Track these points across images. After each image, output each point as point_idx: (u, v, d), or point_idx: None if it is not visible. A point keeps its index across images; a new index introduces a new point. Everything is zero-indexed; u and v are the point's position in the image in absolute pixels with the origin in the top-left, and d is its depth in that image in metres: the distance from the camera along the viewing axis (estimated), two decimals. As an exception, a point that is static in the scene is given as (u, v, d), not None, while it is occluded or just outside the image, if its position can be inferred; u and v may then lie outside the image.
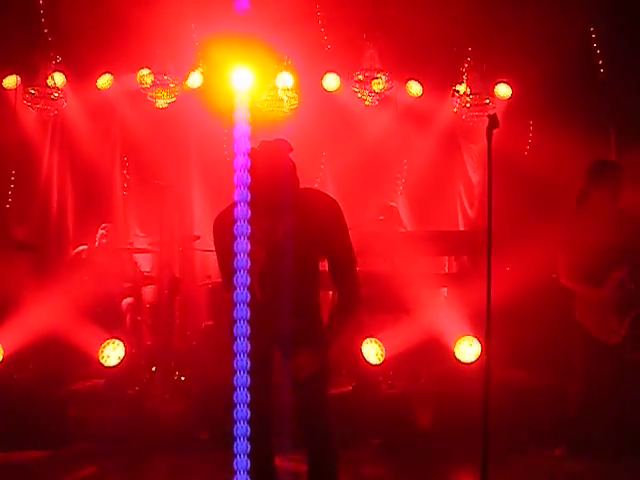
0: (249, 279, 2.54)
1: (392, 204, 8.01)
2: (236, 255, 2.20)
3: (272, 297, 3.24)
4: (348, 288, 3.41)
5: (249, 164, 2.65)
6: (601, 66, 7.69)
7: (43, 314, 6.16)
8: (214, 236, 3.38)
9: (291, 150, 3.27)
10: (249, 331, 2.19)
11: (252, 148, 3.09)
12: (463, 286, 6.42)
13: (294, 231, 3.25)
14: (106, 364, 6.07)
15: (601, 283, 5.06)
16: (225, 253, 3.14)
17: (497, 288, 3.51)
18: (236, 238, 2.19)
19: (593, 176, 5.23)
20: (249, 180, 2.43)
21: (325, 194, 3.46)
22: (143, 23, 7.41)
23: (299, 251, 3.28)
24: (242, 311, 2.13)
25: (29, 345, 6.08)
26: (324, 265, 3.47)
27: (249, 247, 2.74)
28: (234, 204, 2.98)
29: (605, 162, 5.50)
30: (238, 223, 2.20)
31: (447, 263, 8.32)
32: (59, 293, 6.31)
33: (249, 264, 2.44)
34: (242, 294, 2.15)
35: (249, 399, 2.17)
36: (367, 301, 6.46)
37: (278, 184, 3.14)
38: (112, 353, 6.08)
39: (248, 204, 2.29)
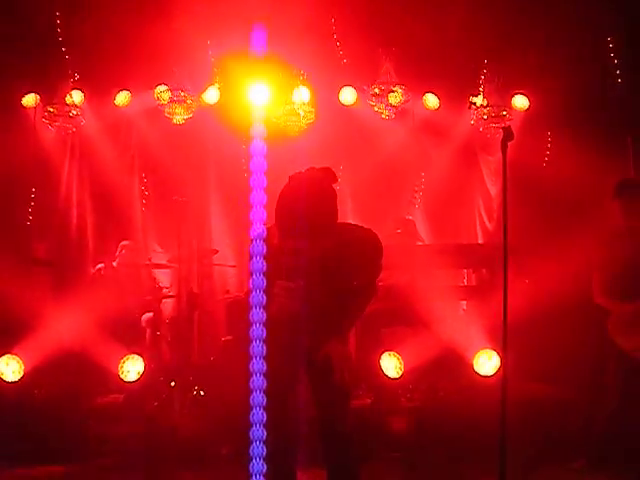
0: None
1: (409, 217, 7.99)
2: (251, 275, 2.22)
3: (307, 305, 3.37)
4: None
5: (297, 187, 3.10)
6: (619, 76, 7.65)
7: (63, 330, 6.21)
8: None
9: (336, 180, 3.50)
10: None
11: (299, 173, 3.39)
12: (482, 299, 6.40)
13: (333, 255, 3.41)
14: (126, 379, 6.11)
15: (635, 299, 5.00)
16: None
17: (515, 301, 3.50)
18: (251, 258, 2.22)
19: (623, 192, 5.17)
20: (294, 201, 2.61)
21: (368, 229, 3.65)
22: (159, 40, 7.45)
23: (335, 275, 3.44)
24: (258, 331, 2.15)
25: (49, 361, 6.09)
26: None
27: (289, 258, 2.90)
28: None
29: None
30: (254, 242, 2.22)
31: (466, 276, 8.28)
32: (79, 309, 6.35)
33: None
34: (258, 314, 2.17)
35: (271, 412, 2.19)
36: (386, 314, 6.53)
37: (320, 208, 3.34)
38: (132, 368, 6.12)
39: (292, 221, 2.41)
